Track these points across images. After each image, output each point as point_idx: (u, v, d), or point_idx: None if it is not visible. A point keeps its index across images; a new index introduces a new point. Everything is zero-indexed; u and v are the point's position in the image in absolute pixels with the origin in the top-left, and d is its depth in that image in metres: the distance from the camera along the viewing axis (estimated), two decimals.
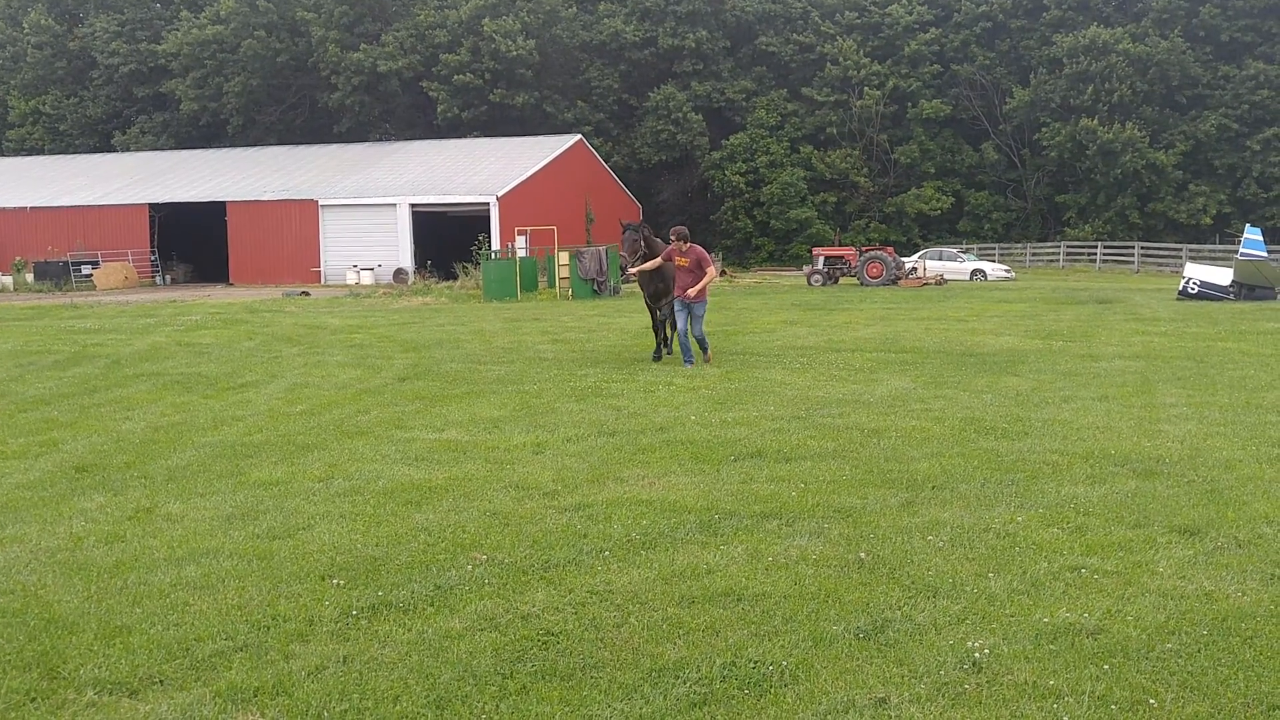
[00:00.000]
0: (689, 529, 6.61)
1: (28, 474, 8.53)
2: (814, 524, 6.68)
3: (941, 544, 6.17)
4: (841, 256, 40.42)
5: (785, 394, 12.02)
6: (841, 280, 39.75)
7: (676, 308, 14.73)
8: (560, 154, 50.87)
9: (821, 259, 40.14)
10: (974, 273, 44.33)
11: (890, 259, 38.39)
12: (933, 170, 63.27)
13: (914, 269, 39.89)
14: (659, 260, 14.94)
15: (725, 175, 63.12)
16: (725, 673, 4.46)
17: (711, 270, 14.57)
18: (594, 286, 32.69)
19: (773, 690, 4.31)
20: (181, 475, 8.42)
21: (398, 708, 4.19)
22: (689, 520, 6.79)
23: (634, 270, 15.37)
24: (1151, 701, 4.14)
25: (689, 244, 14.63)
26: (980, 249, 55.97)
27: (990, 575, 5.60)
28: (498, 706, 4.18)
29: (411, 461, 8.73)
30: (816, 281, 38.88)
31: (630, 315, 24.48)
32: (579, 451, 9.06)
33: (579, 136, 54.86)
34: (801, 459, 8.59)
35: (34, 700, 4.32)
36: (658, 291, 15.50)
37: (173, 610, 5.29)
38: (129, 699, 4.32)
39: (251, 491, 7.83)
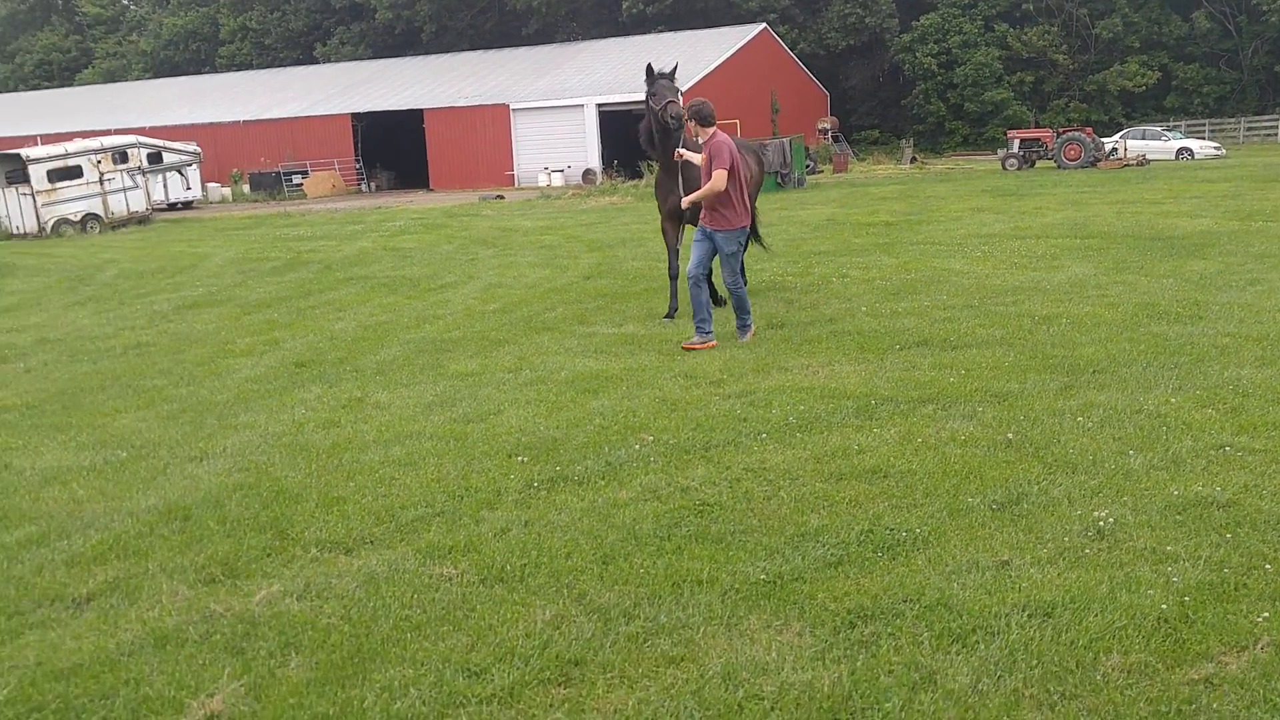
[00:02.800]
0: (845, 413, 6.98)
1: (255, 369, 9.61)
2: (969, 408, 6.94)
3: (1090, 425, 6.36)
4: (1038, 139, 38.83)
5: (961, 283, 12.07)
6: (1038, 164, 38.28)
7: (695, 236, 9.88)
8: (744, 44, 50.30)
9: (1016, 142, 38.68)
10: (1180, 151, 41.79)
11: (1089, 140, 36.68)
12: (1137, 44, 59.29)
13: (1114, 150, 37.99)
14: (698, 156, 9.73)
15: (916, 58, 60.96)
16: (862, 538, 4.89)
17: (719, 174, 9.26)
18: (777, 179, 32.61)
19: (904, 553, 4.72)
20: (388, 369, 9.32)
21: (569, 563, 4.81)
22: (846, 405, 7.16)
23: (682, 155, 10.12)
24: (1267, 566, 4.35)
25: (712, 130, 9.56)
26: (1188, 125, 52.56)
27: (1131, 453, 5.79)
28: (655, 563, 4.75)
29: (591, 354, 9.38)
30: (1011, 166, 37.56)
31: (813, 208, 24.50)
32: (747, 343, 9.49)
33: (763, 25, 54.00)
34: (967, 347, 8.78)
35: (269, 555, 5.15)
36: (675, 209, 10.61)
37: (381, 484, 6.08)
38: (345, 555, 5.10)
39: (450, 382, 8.64)
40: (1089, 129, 40.15)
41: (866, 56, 64.08)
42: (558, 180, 44.60)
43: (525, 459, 6.37)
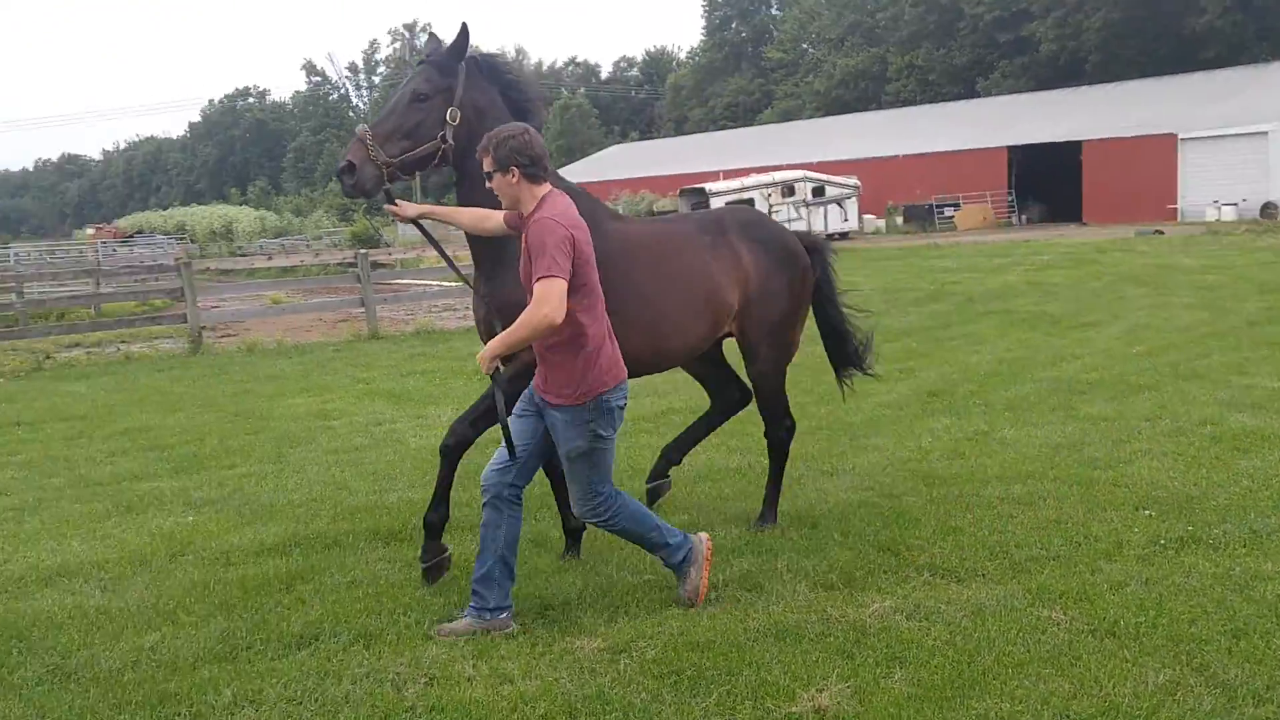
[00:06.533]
0: None
1: (888, 395, 10.03)
2: None
3: None
4: None
5: None
6: None
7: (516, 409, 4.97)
8: None
9: None
10: None
11: None
12: None
13: None
14: (491, 217, 5.03)
15: None
16: None
17: (547, 290, 4.36)
18: None
19: None
20: (1018, 405, 9.25)
21: (1192, 629, 4.50)
22: None
23: (398, 211, 5.18)
24: None
25: (541, 186, 4.62)
26: None
27: None
28: None
29: (1245, 408, 8.54)
30: None
31: None
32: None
33: None
34: None
35: (884, 572, 5.41)
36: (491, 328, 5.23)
37: (998, 519, 6.11)
38: (955, 584, 5.21)
39: (1080, 424, 8.38)
40: None
41: None
42: (1228, 214, 40.50)
43: (1152, 514, 6.02)
